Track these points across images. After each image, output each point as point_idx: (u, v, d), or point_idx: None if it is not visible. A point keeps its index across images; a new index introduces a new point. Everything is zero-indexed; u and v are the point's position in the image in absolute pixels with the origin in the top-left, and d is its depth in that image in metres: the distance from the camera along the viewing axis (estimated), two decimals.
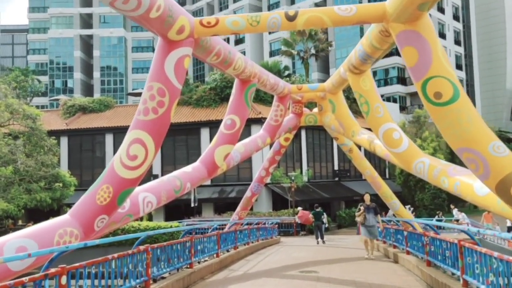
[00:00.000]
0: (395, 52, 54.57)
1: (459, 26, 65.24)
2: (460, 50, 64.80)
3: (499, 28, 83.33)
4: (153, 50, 72.87)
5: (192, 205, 28.41)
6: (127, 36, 70.66)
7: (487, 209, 10.95)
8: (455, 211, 27.17)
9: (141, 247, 6.96)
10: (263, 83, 12.17)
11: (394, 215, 21.18)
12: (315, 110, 19.09)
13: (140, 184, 8.02)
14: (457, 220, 25.58)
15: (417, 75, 6.21)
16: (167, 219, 35.39)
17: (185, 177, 10.19)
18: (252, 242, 16.28)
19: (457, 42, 64.15)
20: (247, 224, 17.51)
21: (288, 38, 51.51)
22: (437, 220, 26.43)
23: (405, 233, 10.57)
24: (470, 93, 69.07)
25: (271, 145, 20.97)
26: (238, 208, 20.97)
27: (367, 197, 13.02)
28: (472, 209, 49.43)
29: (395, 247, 12.56)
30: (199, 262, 9.47)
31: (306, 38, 50.03)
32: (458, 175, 8.52)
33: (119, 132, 37.38)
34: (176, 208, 35.26)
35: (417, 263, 8.89)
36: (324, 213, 20.09)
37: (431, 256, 8.57)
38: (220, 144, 11.13)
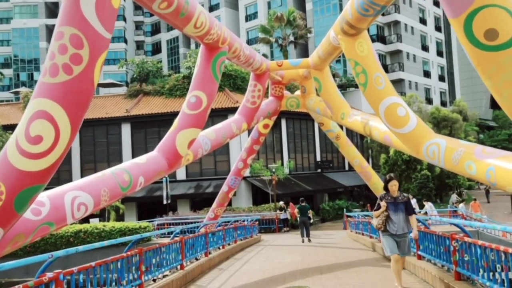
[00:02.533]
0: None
1: (439, 12, 64.02)
2: (441, 36, 63.64)
3: None
4: (124, 40, 69.77)
5: (165, 202, 26.04)
6: None
7: None
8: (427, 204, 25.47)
9: (49, 274, 4.70)
10: (235, 53, 9.95)
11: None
12: (298, 92, 17.03)
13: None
14: (426, 213, 23.98)
15: (457, 4, 4.12)
16: (140, 217, 33.01)
17: (137, 170, 7.93)
18: (229, 244, 14.12)
19: (438, 28, 62.94)
20: (222, 224, 15.33)
21: (265, 24, 49.35)
22: (425, 212, 24.78)
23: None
24: (450, 80, 68.17)
25: (249, 133, 18.82)
26: (214, 205, 18.79)
27: (393, 186, 7.16)
28: (471, 199, 48.46)
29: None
30: (154, 280, 7.27)
31: (284, 24, 47.86)
32: (491, 157, 6.51)
33: (87, 126, 34.66)
34: (150, 205, 32.85)
35: (438, 273, 6.89)
36: (310, 208, 18.05)
37: (463, 267, 6.40)
38: (183, 127, 8.90)
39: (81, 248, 6.52)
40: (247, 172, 32.87)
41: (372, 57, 8.58)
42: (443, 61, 64.24)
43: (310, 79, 15.62)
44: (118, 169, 7.71)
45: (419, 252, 8.39)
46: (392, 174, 7.33)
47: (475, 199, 28.87)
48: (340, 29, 8.65)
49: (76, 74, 4.61)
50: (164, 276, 7.77)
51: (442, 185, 42.98)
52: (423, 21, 58.79)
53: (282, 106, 16.49)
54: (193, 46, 60.09)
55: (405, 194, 7.35)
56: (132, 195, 33.49)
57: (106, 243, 6.69)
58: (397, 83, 54.14)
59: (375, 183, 18.43)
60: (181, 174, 33.98)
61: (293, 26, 48.70)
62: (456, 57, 70.44)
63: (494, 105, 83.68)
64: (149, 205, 33.42)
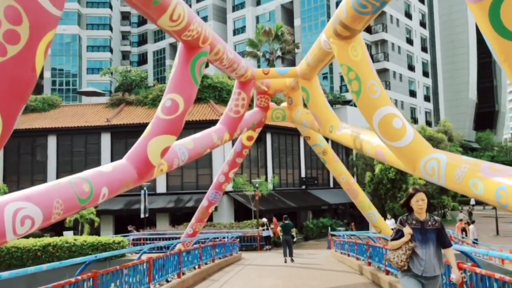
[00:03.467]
0: None
1: (426, 33, 64.63)
2: (427, 57, 64.11)
3: (462, 38, 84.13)
4: (110, 50, 68.67)
5: (142, 216, 24.88)
6: (82, 34, 65.99)
7: None
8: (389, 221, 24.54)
9: None
10: (218, 55, 9.13)
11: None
12: (284, 104, 16.27)
13: None
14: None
15: None
16: (117, 231, 31.65)
17: (99, 179, 6.97)
18: (206, 263, 13.11)
19: (424, 49, 63.42)
20: (200, 241, 14.32)
21: (253, 38, 49.01)
22: None
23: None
24: (435, 100, 68.55)
25: (233, 145, 17.94)
26: (193, 220, 17.75)
27: (420, 203, 5.19)
28: (455, 220, 48.00)
29: (387, 272, 9.67)
30: None
31: (272, 39, 47.57)
32: (500, 176, 5.75)
33: (64, 134, 33.43)
34: (128, 219, 31.50)
35: None
36: (294, 226, 17.18)
37: None
38: (156, 134, 8.00)
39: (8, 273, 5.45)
40: (229, 187, 31.88)
41: (366, 63, 7.85)
42: (428, 81, 64.65)
43: (297, 90, 14.89)
44: (77, 177, 6.74)
45: None
46: (417, 186, 5.24)
47: (461, 220, 28.34)
48: (333, 31, 7.92)
49: (11, 55, 3.70)
50: None
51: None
52: (409, 41, 59.16)
53: (268, 117, 15.69)
54: None
55: (436, 218, 5.19)
56: (108, 208, 32.25)
57: (55, 264, 5.69)
58: None
59: (362, 201, 17.66)
60: (161, 187, 32.83)
61: (281, 41, 48.43)
62: (440, 78, 71.00)
63: (477, 126, 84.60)
64: (126, 218, 32.08)
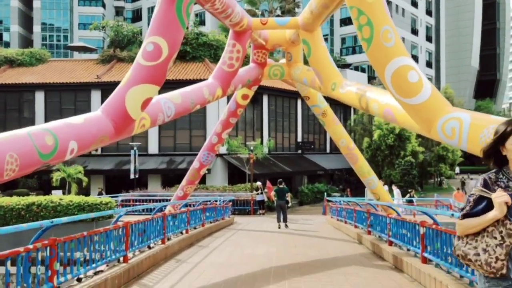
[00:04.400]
0: None
1: None
2: (431, 21, 62.12)
3: (468, 3, 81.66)
4: (103, 5, 66.07)
5: (132, 176, 24.08)
6: None
7: None
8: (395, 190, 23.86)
9: None
10: None
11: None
12: (283, 61, 15.13)
13: None
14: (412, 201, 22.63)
15: None
16: (108, 192, 30.95)
17: (67, 132, 6.00)
18: (195, 228, 12.34)
19: (428, 12, 61.36)
20: (187, 205, 13.50)
21: None
22: (408, 200, 23.50)
23: (422, 229, 6.60)
24: (436, 67, 67.12)
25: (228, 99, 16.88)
26: (184, 182, 16.93)
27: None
28: (436, 187, 47.68)
29: (391, 243, 8.84)
30: (79, 280, 5.40)
31: None
32: None
33: (52, 90, 32.12)
34: (119, 179, 30.71)
35: (446, 280, 5.25)
36: (289, 191, 16.39)
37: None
38: (136, 82, 6.96)
39: None
40: (223, 149, 31.03)
41: (380, 5, 6.74)
42: (432, 46, 62.93)
43: (298, 45, 13.73)
44: (38, 129, 5.75)
45: (425, 254, 6.69)
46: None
47: (458, 189, 27.77)
48: None
49: None
50: (96, 273, 5.92)
51: (423, 173, 42.02)
52: (414, 3, 57.09)
53: (265, 75, 14.56)
54: None
55: None
56: (98, 167, 31.45)
57: (10, 229, 4.77)
58: None
59: (361, 166, 16.81)
60: (153, 148, 31.94)
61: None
62: (443, 44, 69.19)
63: (477, 95, 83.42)
64: (117, 179, 31.32)
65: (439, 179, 49.39)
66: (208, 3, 8.27)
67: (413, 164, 34.66)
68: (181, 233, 10.72)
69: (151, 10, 71.91)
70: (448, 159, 42.75)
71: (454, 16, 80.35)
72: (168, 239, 9.52)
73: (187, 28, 40.23)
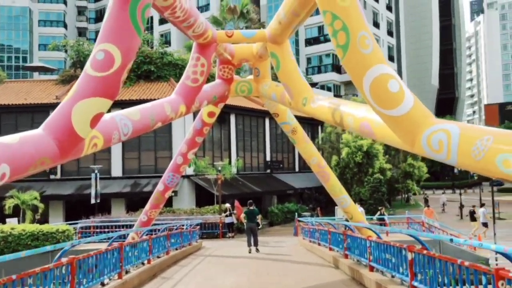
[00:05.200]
0: (330, 39, 51.75)
1: (392, 16, 64.06)
2: (392, 41, 63.66)
3: (425, 24, 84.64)
4: (64, 25, 64.39)
5: (93, 201, 22.68)
6: (33, 8, 61.47)
7: None
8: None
9: None
10: (168, 2, 7.24)
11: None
12: (250, 77, 14.52)
13: None
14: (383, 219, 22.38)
15: None
16: (68, 218, 29.19)
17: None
18: (158, 257, 11.32)
19: (390, 33, 62.89)
20: (149, 232, 12.48)
21: (217, 16, 46.69)
22: (379, 218, 23.11)
23: (411, 255, 5.88)
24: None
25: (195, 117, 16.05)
26: (147, 206, 15.85)
27: None
28: (403, 204, 47.95)
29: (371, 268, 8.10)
30: None
31: (237, 16, 45.46)
32: None
33: (7, 112, 30.40)
34: (81, 205, 29.02)
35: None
36: (259, 213, 15.59)
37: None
38: (84, 95, 6.11)
39: None
40: (190, 171, 29.99)
41: (356, 9, 6.22)
42: (394, 66, 64.26)
43: (265, 60, 13.20)
44: None
45: (415, 283, 6.01)
46: None
47: (428, 206, 27.67)
48: None
49: None
50: None
51: (391, 190, 42.13)
52: (376, 24, 58.43)
53: (232, 91, 13.89)
54: None
55: None
56: (57, 192, 29.70)
57: None
58: None
59: (333, 184, 16.28)
60: (116, 171, 30.52)
61: (246, 19, 46.35)
62: (404, 62, 70.87)
63: (437, 113, 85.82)
64: (79, 204, 29.61)
65: (406, 196, 49.75)
66: (168, 10, 7.53)
67: (382, 181, 34.59)
68: (142, 264, 9.71)
69: None
70: (415, 176, 43.12)
71: (414, 37, 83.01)
72: (127, 272, 8.52)
73: (152, 47, 39.39)
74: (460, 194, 39.70)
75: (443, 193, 51.68)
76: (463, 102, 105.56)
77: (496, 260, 16.11)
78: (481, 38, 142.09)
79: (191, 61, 10.76)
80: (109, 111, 7.97)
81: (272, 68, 13.99)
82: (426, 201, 41.94)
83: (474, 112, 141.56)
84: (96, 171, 23.03)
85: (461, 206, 37.29)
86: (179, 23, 8.44)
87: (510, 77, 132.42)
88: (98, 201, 23.11)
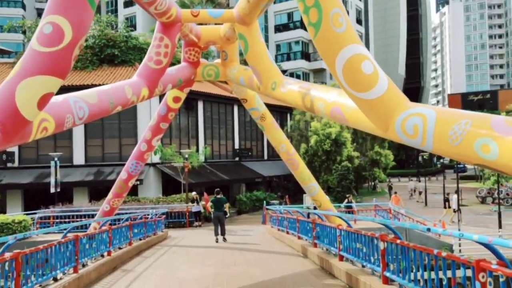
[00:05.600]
0: (299, 26, 51.46)
1: (361, 5, 64.33)
2: (361, 29, 64.01)
3: (393, 13, 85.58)
4: (23, 6, 61.33)
5: (52, 190, 21.70)
6: None
7: None
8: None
9: None
10: None
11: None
12: (218, 60, 13.98)
13: None
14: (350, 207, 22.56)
15: None
16: (27, 208, 27.95)
17: None
18: (120, 248, 10.77)
19: (359, 21, 63.18)
20: (111, 222, 11.88)
21: None
22: (347, 205, 23.20)
23: (383, 244, 5.62)
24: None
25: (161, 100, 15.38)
26: (110, 195, 15.18)
27: None
28: (370, 191, 48.64)
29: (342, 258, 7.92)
30: None
31: (205, 0, 44.51)
32: None
33: None
34: (40, 194, 27.82)
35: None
36: (227, 201, 15.19)
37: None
38: (30, 73, 5.49)
39: None
40: (157, 159, 29.21)
41: None
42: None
43: (233, 43, 12.68)
44: None
45: (387, 274, 5.77)
46: None
47: (395, 193, 28.01)
48: None
49: None
50: None
51: (359, 177, 42.56)
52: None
53: (198, 75, 13.33)
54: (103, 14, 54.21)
55: None
56: (15, 181, 28.33)
57: None
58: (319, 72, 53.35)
59: (302, 172, 16.06)
60: (78, 158, 29.38)
61: (214, 3, 45.46)
62: (373, 52, 71.58)
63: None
64: (38, 193, 28.38)
65: (373, 183, 50.48)
66: None
67: (350, 169, 34.81)
68: (102, 256, 9.16)
69: None
70: (382, 163, 43.73)
71: (382, 27, 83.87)
72: (84, 265, 7.96)
73: (116, 30, 37.94)
74: (425, 181, 40.47)
75: (409, 180, 52.75)
76: (428, 92, 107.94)
77: (460, 246, 16.34)
78: (446, 29, 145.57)
79: (154, 41, 10.15)
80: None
81: (241, 53, 13.57)
82: (390, 188, 42.53)
83: (438, 102, 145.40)
84: (56, 159, 22.00)
85: (421, 193, 38.13)
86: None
87: (472, 68, 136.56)
88: (58, 190, 22.14)
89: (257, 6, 8.77)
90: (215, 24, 11.92)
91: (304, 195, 25.74)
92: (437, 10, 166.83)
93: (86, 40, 37.57)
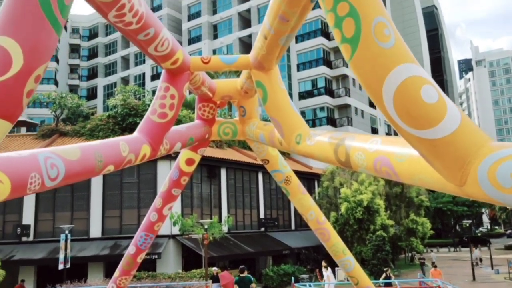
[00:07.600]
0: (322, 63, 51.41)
1: None
2: None
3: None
4: (55, 83, 63.66)
5: (61, 266, 19.97)
6: None
7: None
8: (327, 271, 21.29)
9: None
10: None
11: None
12: (235, 118, 12.57)
13: None
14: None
15: None
16: (39, 286, 26.21)
17: None
18: None
19: None
20: None
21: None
22: (386, 282, 20.50)
23: None
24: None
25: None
26: (116, 273, 13.18)
27: None
28: (408, 263, 44.69)
29: None
30: None
31: (228, 71, 44.87)
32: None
33: None
34: (54, 270, 26.03)
35: None
36: (253, 279, 13.11)
37: None
38: None
39: None
40: (176, 230, 27.44)
41: None
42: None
43: (252, 97, 11.26)
44: None
45: None
46: None
47: (435, 266, 24.93)
48: None
49: None
50: None
51: (394, 248, 39.31)
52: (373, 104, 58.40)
53: (214, 134, 11.79)
54: None
55: None
56: (28, 257, 26.81)
57: None
58: None
59: (335, 244, 13.67)
60: (95, 231, 27.94)
61: (239, 74, 45.86)
62: None
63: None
64: (52, 269, 26.65)
65: (410, 255, 46.61)
66: (111, 9, 5.61)
67: (385, 239, 31.99)
68: None
69: (106, 88, 70.31)
70: (418, 232, 40.55)
71: None
72: None
73: (138, 99, 37.95)
74: (470, 251, 36.76)
75: (431, 251, 48.27)
76: None
77: None
78: (472, 95, 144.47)
79: (158, 91, 8.78)
80: None
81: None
82: (422, 264, 37.31)
83: None
84: (66, 232, 20.51)
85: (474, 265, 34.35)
86: (132, 33, 6.49)
87: (504, 132, 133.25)
88: (68, 266, 20.38)
89: (276, 42, 7.39)
90: (229, 71, 10.63)
91: (336, 268, 23.22)
92: (461, 76, 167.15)
93: (110, 110, 37.54)
